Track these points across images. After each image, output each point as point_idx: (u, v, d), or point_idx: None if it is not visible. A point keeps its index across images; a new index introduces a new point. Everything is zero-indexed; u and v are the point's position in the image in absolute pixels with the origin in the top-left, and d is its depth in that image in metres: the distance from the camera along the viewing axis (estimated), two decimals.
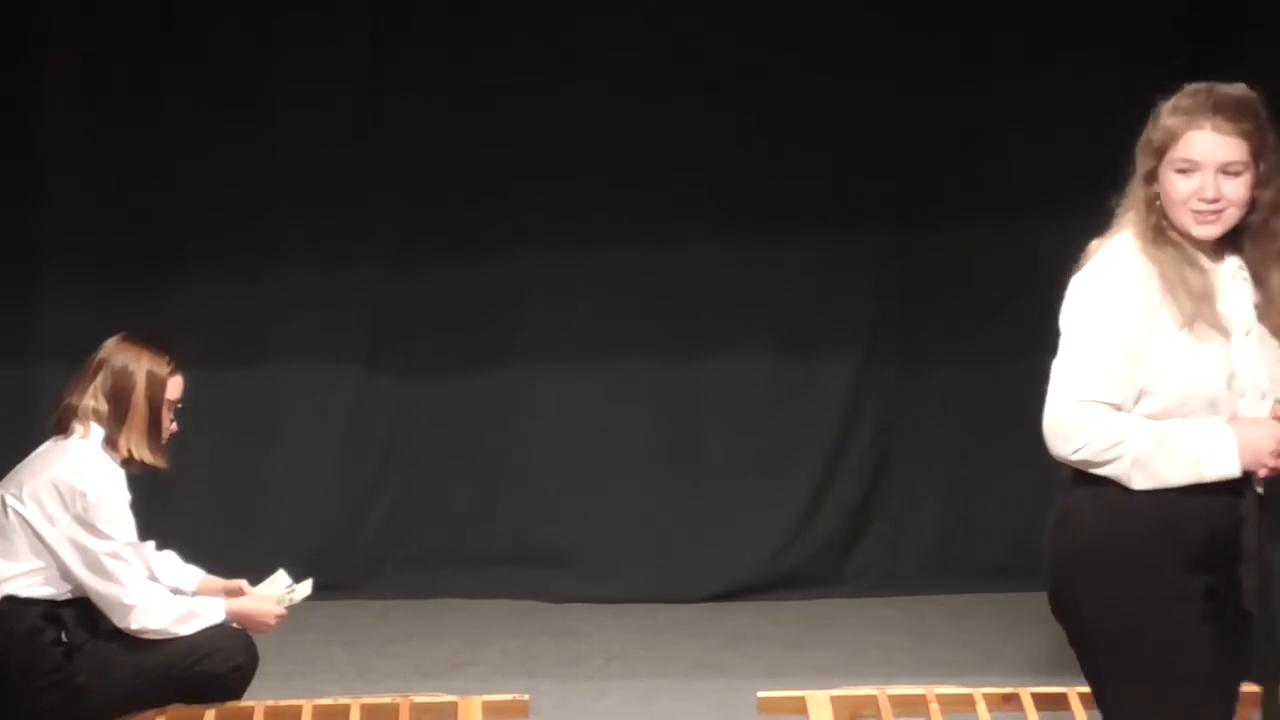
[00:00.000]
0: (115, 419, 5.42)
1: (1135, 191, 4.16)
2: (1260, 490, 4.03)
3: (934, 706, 5.49)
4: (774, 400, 8.52)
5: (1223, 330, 4.02)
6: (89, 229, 8.22)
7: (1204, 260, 4.06)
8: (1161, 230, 4.08)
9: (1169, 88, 7.95)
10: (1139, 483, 4.02)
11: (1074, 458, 4.08)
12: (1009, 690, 5.59)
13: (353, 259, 8.32)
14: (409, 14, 8.31)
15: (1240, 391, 4.04)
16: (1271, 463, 3.97)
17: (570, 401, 8.46)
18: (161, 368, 5.47)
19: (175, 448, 5.56)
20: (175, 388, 5.50)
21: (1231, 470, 3.98)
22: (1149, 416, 4.03)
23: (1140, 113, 8.40)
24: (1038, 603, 8.23)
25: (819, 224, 8.36)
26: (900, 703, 5.50)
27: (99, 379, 5.44)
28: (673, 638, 7.81)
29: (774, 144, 8.32)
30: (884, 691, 5.54)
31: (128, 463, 5.44)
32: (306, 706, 5.51)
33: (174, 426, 5.51)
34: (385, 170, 8.34)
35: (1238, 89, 4.08)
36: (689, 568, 8.37)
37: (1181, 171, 4.04)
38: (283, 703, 5.52)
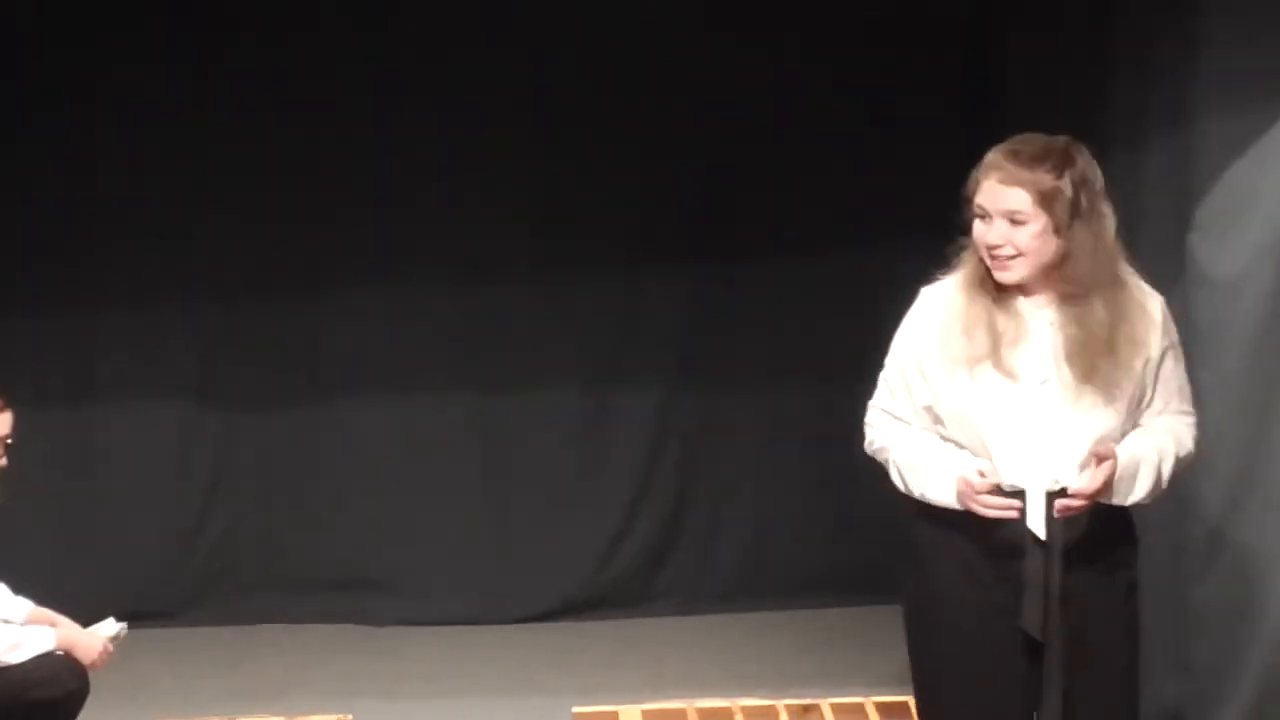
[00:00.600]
0: None
1: (965, 249, 4.27)
2: (1042, 533, 4.11)
3: (739, 718, 5.53)
4: (583, 430, 8.53)
5: (1011, 376, 4.09)
6: None
7: (1020, 306, 4.14)
8: (983, 275, 4.18)
9: (968, 135, 8.09)
10: (909, 488, 4.24)
11: (868, 453, 4.34)
12: (810, 701, 5.66)
13: (177, 293, 8.21)
14: (230, 48, 8.21)
15: (1022, 435, 4.10)
16: (971, 506, 4.08)
17: (389, 432, 8.41)
18: None
19: (6, 482, 5.45)
20: (4, 424, 5.42)
21: (947, 501, 4.13)
22: (943, 439, 4.17)
23: (932, 155, 8.56)
24: (835, 619, 8.41)
25: (625, 261, 8.38)
26: (708, 715, 5.55)
27: None
28: (490, 658, 7.80)
29: (581, 184, 8.33)
30: (692, 705, 5.58)
31: None
32: None
33: (3, 461, 5.43)
34: (208, 205, 8.21)
35: (1044, 140, 4.16)
36: (504, 591, 8.36)
37: (978, 218, 4.15)
38: None
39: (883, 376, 4.37)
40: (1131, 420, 4.16)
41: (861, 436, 4.48)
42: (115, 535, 8.16)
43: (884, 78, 8.38)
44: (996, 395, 4.11)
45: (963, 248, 4.27)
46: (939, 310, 4.25)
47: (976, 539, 4.15)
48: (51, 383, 7.98)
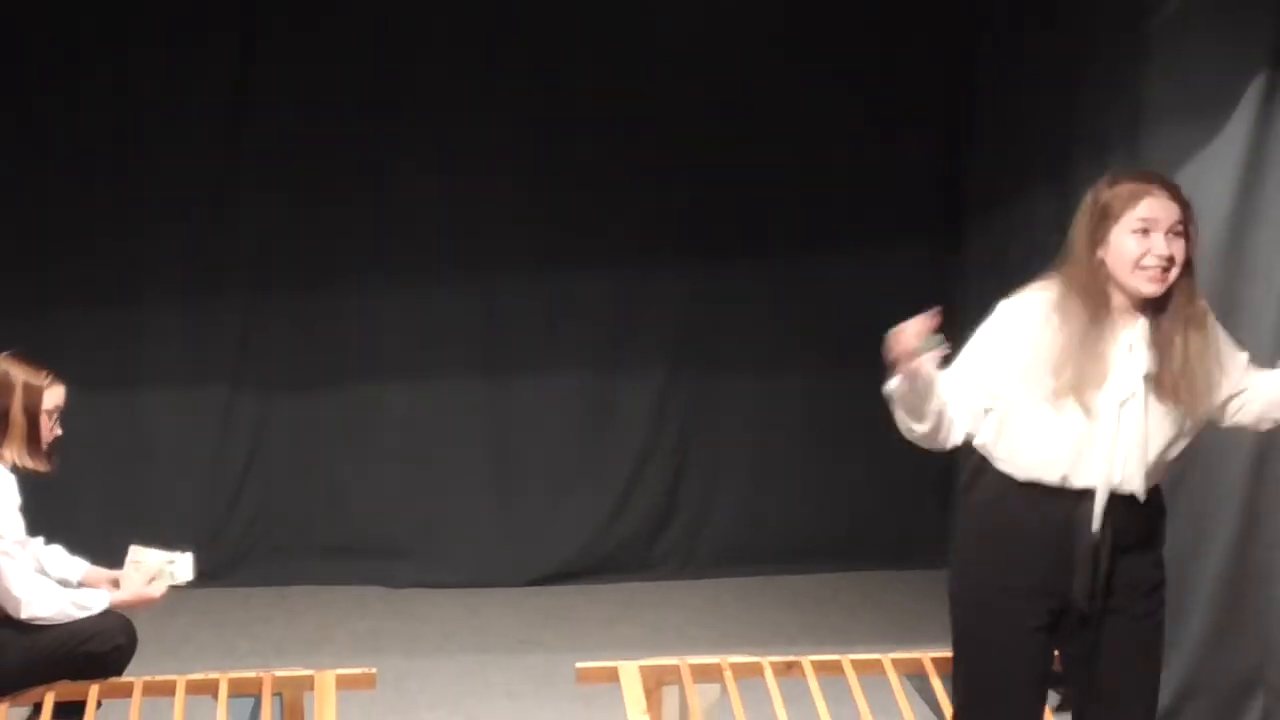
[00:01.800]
0: None
1: (1080, 254, 4.09)
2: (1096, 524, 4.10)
3: (728, 674, 5.55)
4: (588, 411, 8.58)
5: (1091, 415, 4.03)
6: None
7: (1114, 333, 4.04)
8: (1103, 292, 4.05)
9: (946, 151, 7.98)
10: (895, 410, 4.14)
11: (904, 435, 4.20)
12: (792, 659, 5.67)
13: (216, 290, 8.26)
14: (265, 66, 8.24)
15: (1096, 449, 4.05)
16: (896, 351, 3.95)
17: (409, 413, 8.47)
18: (37, 379, 5.27)
19: (64, 455, 5.44)
20: (53, 397, 5.30)
21: (893, 383, 4.06)
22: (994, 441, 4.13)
23: (913, 166, 8.52)
24: (817, 584, 8.44)
25: (625, 259, 8.44)
26: (699, 671, 5.56)
27: None
28: (500, 617, 7.84)
29: (587, 187, 8.37)
30: (684, 661, 5.60)
31: (15, 469, 5.38)
32: (180, 681, 5.47)
33: (57, 431, 5.34)
34: (244, 209, 8.26)
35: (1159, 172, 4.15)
36: (513, 557, 8.41)
37: (1138, 232, 4.00)
38: (159, 678, 5.48)
39: (959, 364, 4.16)
40: (1198, 422, 4.14)
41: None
42: (162, 505, 8.20)
43: (870, 93, 8.44)
44: (1071, 432, 4.06)
45: (1055, 272, 4.14)
46: (1031, 330, 4.11)
47: (1020, 526, 4.14)
48: (105, 369, 7.99)
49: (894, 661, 5.65)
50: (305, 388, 8.40)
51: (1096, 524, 4.09)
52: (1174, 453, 4.14)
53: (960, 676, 4.35)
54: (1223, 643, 5.74)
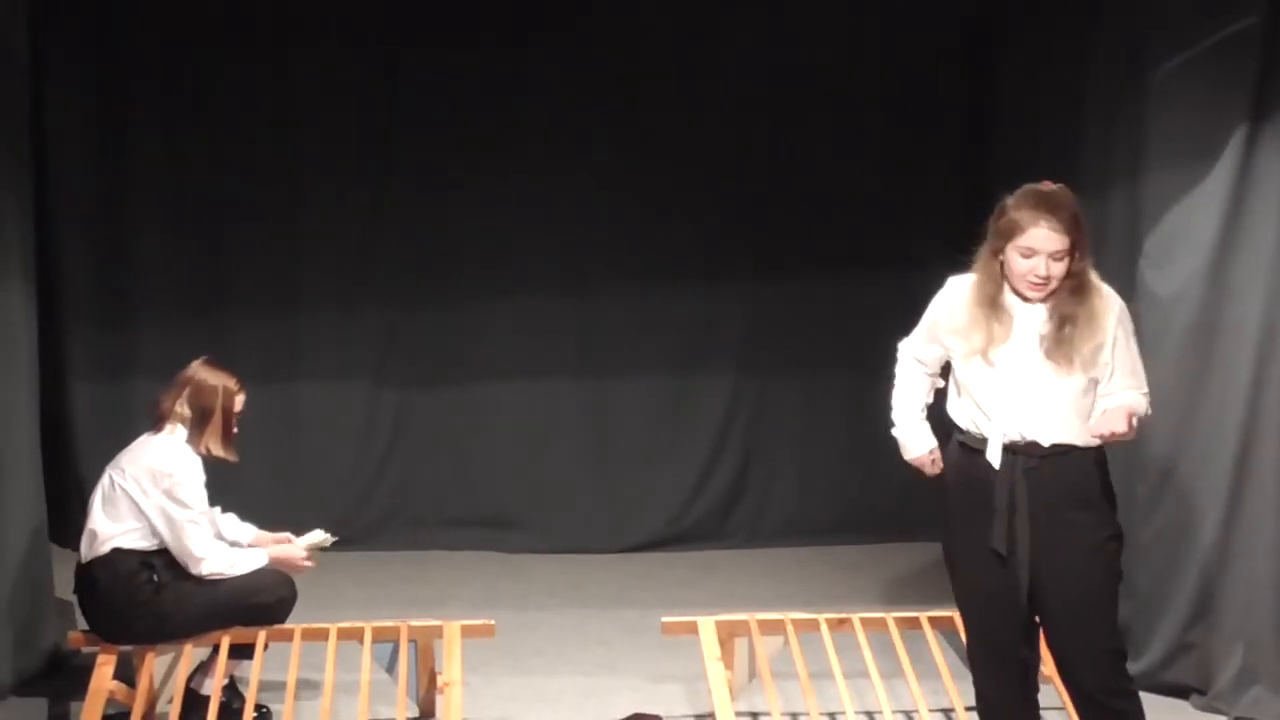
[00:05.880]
0: (197, 422, 5.45)
1: (985, 254, 4.31)
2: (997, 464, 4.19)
3: (789, 628, 5.56)
4: (671, 407, 8.54)
5: (991, 365, 4.19)
6: (171, 281, 8.15)
7: (1016, 310, 4.21)
8: (990, 289, 4.25)
9: (963, 184, 7.91)
10: (891, 411, 4.72)
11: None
12: (843, 616, 5.67)
13: (363, 303, 8.30)
14: (400, 126, 8.26)
15: (994, 402, 4.18)
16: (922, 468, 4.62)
17: (522, 406, 8.46)
18: (233, 385, 5.51)
19: (239, 440, 5.59)
20: (241, 402, 5.54)
21: (902, 439, 4.68)
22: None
23: (934, 198, 8.46)
24: (864, 553, 8.40)
25: (700, 276, 8.40)
26: (764, 626, 5.57)
27: (187, 391, 5.46)
28: (598, 578, 7.84)
29: (670, 218, 8.34)
30: (753, 617, 5.61)
31: (205, 454, 5.48)
32: (332, 629, 5.56)
33: (235, 429, 5.55)
34: (386, 239, 8.29)
35: (1060, 192, 4.22)
36: (609, 527, 8.40)
37: (1024, 255, 4.17)
38: (315, 625, 5.57)
39: (918, 327, 4.55)
40: (1092, 391, 4.20)
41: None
42: (317, 482, 8.24)
43: (902, 135, 8.39)
44: (981, 377, 4.23)
45: (974, 259, 4.36)
46: (955, 304, 4.34)
47: (966, 481, 4.24)
48: (272, 367, 8.04)
49: (930, 619, 5.65)
50: (436, 384, 8.41)
51: (997, 462, 4.16)
52: (1066, 406, 4.16)
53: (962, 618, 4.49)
54: (1210, 606, 5.69)
